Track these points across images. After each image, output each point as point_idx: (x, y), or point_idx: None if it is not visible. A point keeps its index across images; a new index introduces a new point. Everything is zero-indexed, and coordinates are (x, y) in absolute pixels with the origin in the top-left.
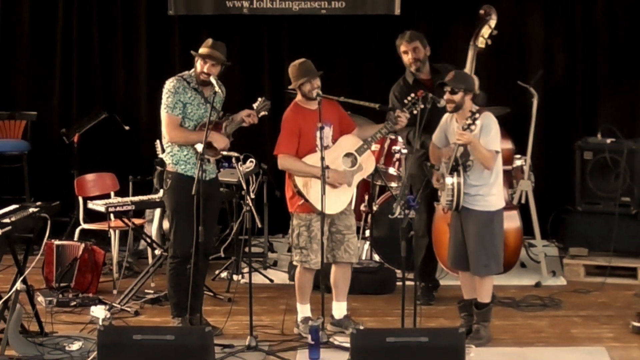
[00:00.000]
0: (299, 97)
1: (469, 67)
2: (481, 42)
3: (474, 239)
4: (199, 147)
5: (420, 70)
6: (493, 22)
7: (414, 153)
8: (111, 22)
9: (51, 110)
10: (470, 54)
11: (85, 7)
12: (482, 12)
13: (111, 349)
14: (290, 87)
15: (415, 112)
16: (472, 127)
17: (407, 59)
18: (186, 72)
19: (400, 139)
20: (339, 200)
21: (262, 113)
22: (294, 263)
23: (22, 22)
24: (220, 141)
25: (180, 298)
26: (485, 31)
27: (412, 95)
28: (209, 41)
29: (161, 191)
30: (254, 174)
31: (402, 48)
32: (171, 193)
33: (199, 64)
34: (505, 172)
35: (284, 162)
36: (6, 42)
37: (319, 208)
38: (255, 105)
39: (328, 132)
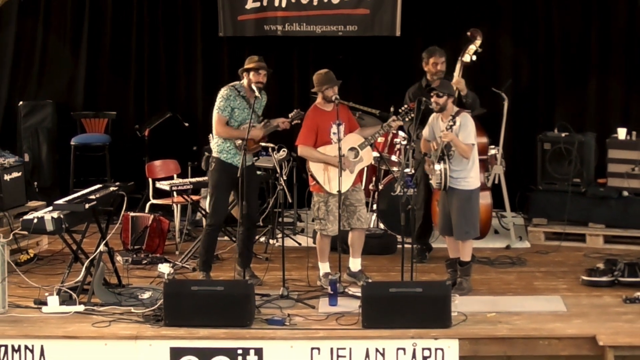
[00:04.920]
0: (319, 99)
1: (456, 78)
2: (467, 58)
3: (456, 212)
4: (238, 142)
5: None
6: (478, 42)
7: (417, 142)
8: (174, 41)
9: (127, 110)
10: (458, 67)
11: (154, 29)
12: (469, 33)
13: (174, 297)
14: (313, 90)
15: (407, 119)
16: (453, 127)
17: (433, 69)
18: (237, 82)
19: (400, 133)
20: (343, 182)
21: (295, 121)
22: (315, 230)
23: (104, 43)
24: (255, 134)
25: (209, 257)
26: (471, 49)
27: (405, 106)
28: (254, 57)
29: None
30: (286, 160)
31: (432, 60)
32: (214, 173)
33: (251, 76)
34: (482, 161)
35: (302, 150)
36: (92, 57)
37: (326, 188)
38: (290, 115)
39: (342, 129)
